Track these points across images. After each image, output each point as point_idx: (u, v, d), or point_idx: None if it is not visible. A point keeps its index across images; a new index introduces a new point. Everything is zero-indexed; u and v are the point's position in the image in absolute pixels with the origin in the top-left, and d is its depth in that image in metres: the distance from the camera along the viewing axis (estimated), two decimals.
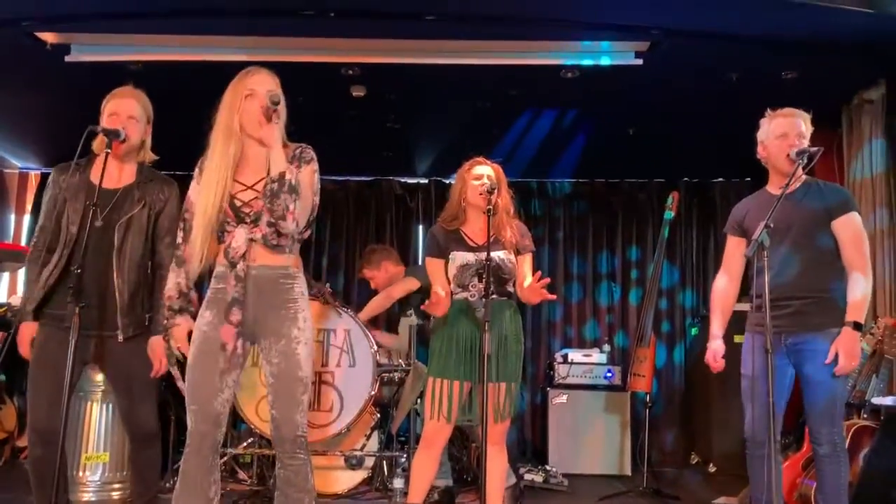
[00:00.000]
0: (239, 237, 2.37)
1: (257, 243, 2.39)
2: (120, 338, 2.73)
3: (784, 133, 2.94)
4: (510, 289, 3.11)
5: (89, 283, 2.69)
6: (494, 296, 2.99)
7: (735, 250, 3.17)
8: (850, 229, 2.93)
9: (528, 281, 3.02)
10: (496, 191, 2.98)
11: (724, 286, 3.21)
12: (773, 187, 3.05)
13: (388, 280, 4.76)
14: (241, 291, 2.36)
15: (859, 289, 2.87)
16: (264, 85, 2.41)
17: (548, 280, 2.89)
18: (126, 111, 2.81)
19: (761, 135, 3.07)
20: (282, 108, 2.44)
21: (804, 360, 2.90)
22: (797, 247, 2.93)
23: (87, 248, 2.61)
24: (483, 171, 3.10)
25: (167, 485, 3.86)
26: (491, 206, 2.94)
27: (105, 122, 2.80)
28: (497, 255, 3.00)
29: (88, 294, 2.67)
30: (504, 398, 3.00)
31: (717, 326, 3.18)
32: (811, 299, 2.90)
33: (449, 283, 3.10)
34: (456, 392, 3.00)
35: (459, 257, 3.06)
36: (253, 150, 2.45)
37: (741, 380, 3.07)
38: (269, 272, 2.41)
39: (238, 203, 2.40)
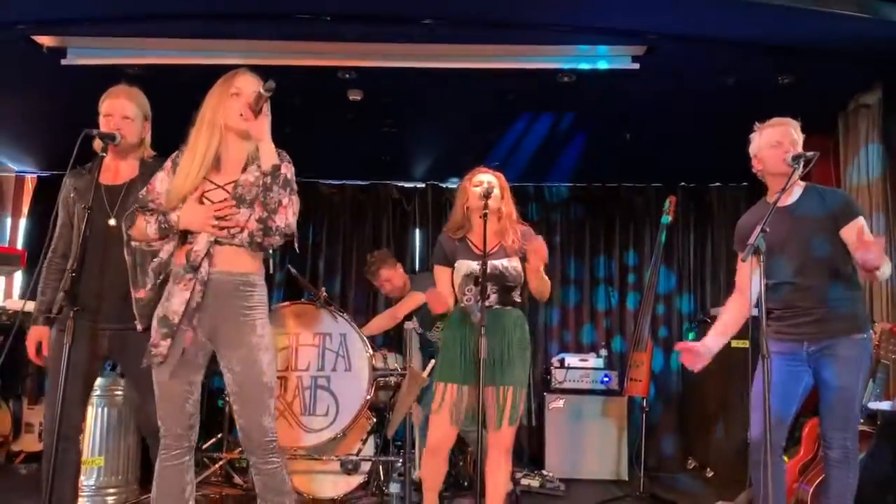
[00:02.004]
0: (201, 241, 2.34)
1: (223, 245, 2.37)
2: (139, 327, 2.70)
3: (778, 142, 2.95)
4: (516, 297, 3.12)
5: (109, 280, 2.75)
6: (498, 305, 3.05)
7: (745, 267, 3.06)
8: (858, 233, 2.87)
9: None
10: (491, 195, 3.00)
11: (735, 306, 3.11)
12: (773, 197, 3.03)
13: (402, 283, 4.78)
14: (201, 298, 2.33)
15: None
16: (250, 86, 2.41)
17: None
18: (120, 111, 2.82)
19: (753, 148, 3.06)
20: (266, 106, 2.43)
21: (825, 365, 2.89)
22: (805, 257, 2.93)
23: (95, 249, 2.72)
24: (483, 178, 3.13)
25: None
26: (487, 210, 2.96)
27: (101, 123, 2.81)
28: (500, 262, 3.03)
29: (108, 291, 2.74)
30: (510, 403, 2.99)
31: (710, 336, 3.04)
32: (828, 307, 2.89)
33: (454, 291, 3.14)
34: (464, 395, 3.03)
35: (464, 266, 3.10)
36: (232, 149, 2.43)
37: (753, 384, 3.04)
38: (228, 278, 2.38)
39: (206, 202, 2.37)
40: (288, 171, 2.41)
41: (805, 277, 2.93)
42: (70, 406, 2.61)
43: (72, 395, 2.61)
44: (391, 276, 4.82)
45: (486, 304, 2.99)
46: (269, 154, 2.37)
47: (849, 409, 2.89)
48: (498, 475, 3.06)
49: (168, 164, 2.47)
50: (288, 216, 2.36)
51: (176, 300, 2.32)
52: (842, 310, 2.90)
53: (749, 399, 3.00)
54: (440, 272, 3.19)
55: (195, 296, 2.32)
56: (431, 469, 3.14)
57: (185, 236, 2.39)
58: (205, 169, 2.38)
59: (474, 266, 3.04)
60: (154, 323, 2.37)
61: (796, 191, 3.02)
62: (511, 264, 3.06)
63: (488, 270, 2.97)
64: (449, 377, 3.07)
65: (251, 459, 2.42)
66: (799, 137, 2.97)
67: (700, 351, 2.97)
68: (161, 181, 2.45)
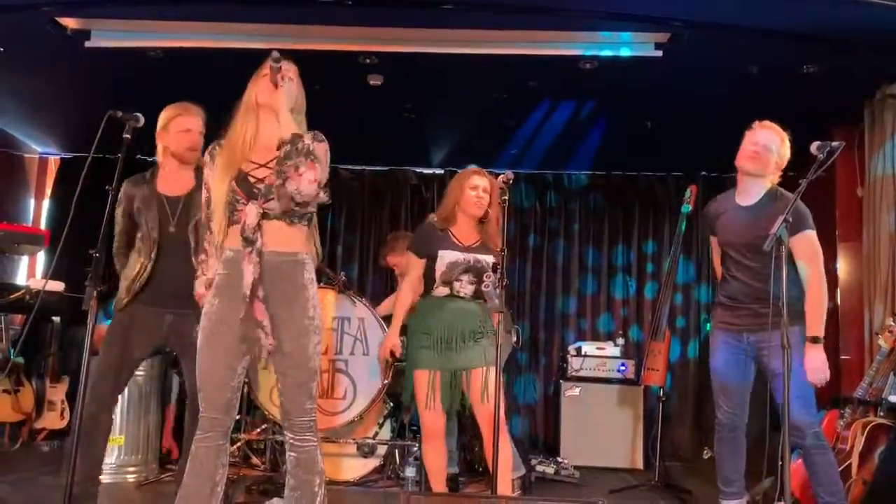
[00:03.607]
0: (251, 212, 2.34)
1: (270, 220, 2.37)
2: None
3: (744, 144, 3.14)
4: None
5: (171, 278, 3.00)
6: (472, 297, 3.24)
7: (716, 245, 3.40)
8: (806, 247, 3.02)
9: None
10: (510, 182, 3.10)
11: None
12: (739, 195, 3.23)
13: None
14: (260, 270, 2.33)
15: (819, 305, 3.00)
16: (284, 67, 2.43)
17: None
18: (197, 127, 3.07)
19: None
20: (299, 91, 2.50)
21: (771, 357, 2.98)
22: (754, 254, 3.04)
23: (163, 250, 3.03)
24: (479, 183, 3.29)
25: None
26: (505, 198, 3.06)
27: (174, 139, 3.06)
28: (484, 258, 3.22)
29: (171, 285, 3.00)
30: (485, 382, 3.13)
31: None
32: (766, 302, 2.92)
33: (433, 280, 3.26)
34: (437, 381, 3.18)
35: (448, 255, 3.22)
36: (267, 127, 2.44)
37: (713, 374, 3.29)
38: (278, 258, 2.39)
39: (252, 180, 2.39)
40: (322, 146, 2.42)
41: (749, 272, 3.08)
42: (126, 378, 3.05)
43: (130, 369, 3.05)
44: (398, 261, 4.81)
45: (462, 293, 3.22)
46: (287, 124, 2.39)
47: (808, 393, 2.98)
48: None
49: (206, 158, 2.52)
50: (301, 183, 2.31)
51: (247, 275, 2.33)
52: (777, 305, 2.86)
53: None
54: (413, 261, 3.35)
55: (255, 268, 2.32)
56: (427, 455, 3.30)
57: (231, 214, 2.40)
58: (247, 148, 2.41)
59: (459, 256, 3.22)
60: (217, 311, 2.40)
61: (759, 190, 3.14)
62: (486, 260, 3.23)
63: (471, 262, 3.20)
64: (428, 364, 3.19)
65: (288, 436, 2.45)
66: (775, 144, 3.09)
67: None
68: (209, 175, 2.51)
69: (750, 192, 3.15)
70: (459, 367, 3.18)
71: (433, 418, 3.20)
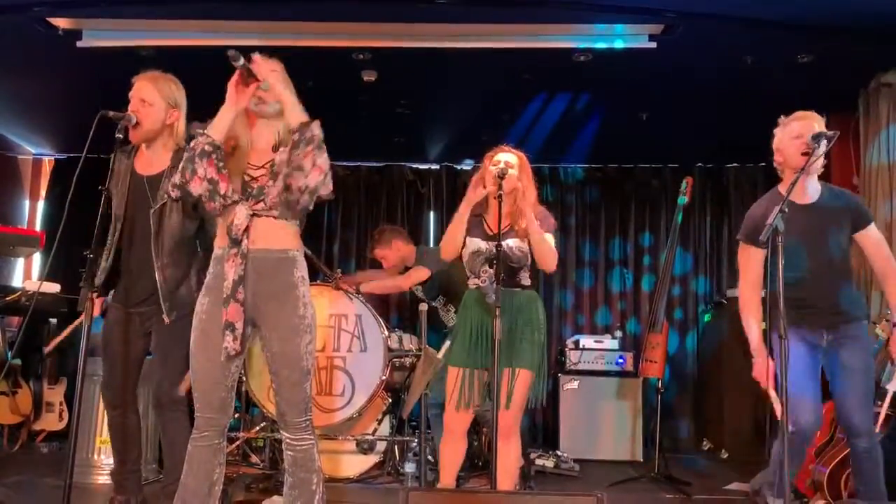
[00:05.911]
0: (240, 213, 2.33)
1: (260, 219, 2.36)
2: (166, 320, 2.82)
3: (799, 134, 2.94)
4: (523, 280, 3.11)
5: (137, 267, 2.86)
6: (504, 287, 2.98)
7: (753, 259, 3.05)
8: (874, 239, 3.01)
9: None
10: (506, 176, 2.97)
11: (752, 297, 3.06)
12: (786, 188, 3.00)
13: (400, 258, 4.76)
14: (244, 270, 2.32)
15: None
16: (267, 65, 2.40)
17: None
18: (138, 95, 2.85)
19: (777, 142, 3.05)
20: (285, 81, 2.43)
21: (840, 348, 2.93)
22: (821, 253, 2.95)
23: (130, 235, 2.84)
24: (502, 158, 3.10)
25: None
26: (501, 192, 2.92)
27: (133, 106, 2.86)
28: (506, 242, 2.97)
29: (138, 277, 2.85)
30: (511, 385, 2.95)
31: (757, 337, 3.00)
32: (836, 300, 2.94)
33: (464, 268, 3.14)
34: (469, 379, 3.03)
35: (472, 244, 3.07)
36: (261, 131, 2.44)
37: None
38: (268, 255, 2.37)
39: (247, 178, 2.39)
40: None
41: (818, 272, 2.95)
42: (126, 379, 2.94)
43: (126, 370, 2.93)
44: (385, 254, 4.82)
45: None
46: (293, 114, 2.35)
47: (870, 391, 2.93)
48: (506, 456, 2.96)
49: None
50: (316, 176, 2.29)
51: (228, 277, 2.32)
52: (844, 299, 2.95)
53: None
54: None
55: (237, 269, 2.31)
56: (445, 450, 3.15)
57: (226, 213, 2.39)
58: (242, 155, 2.40)
59: (481, 245, 3.04)
60: (207, 310, 2.39)
61: (813, 189, 3.03)
62: (518, 245, 3.01)
63: (494, 251, 2.95)
64: (455, 361, 3.08)
65: (284, 436, 2.44)
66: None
67: (771, 365, 2.92)
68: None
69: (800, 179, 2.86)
70: (488, 365, 2.97)
71: (456, 418, 3.05)
